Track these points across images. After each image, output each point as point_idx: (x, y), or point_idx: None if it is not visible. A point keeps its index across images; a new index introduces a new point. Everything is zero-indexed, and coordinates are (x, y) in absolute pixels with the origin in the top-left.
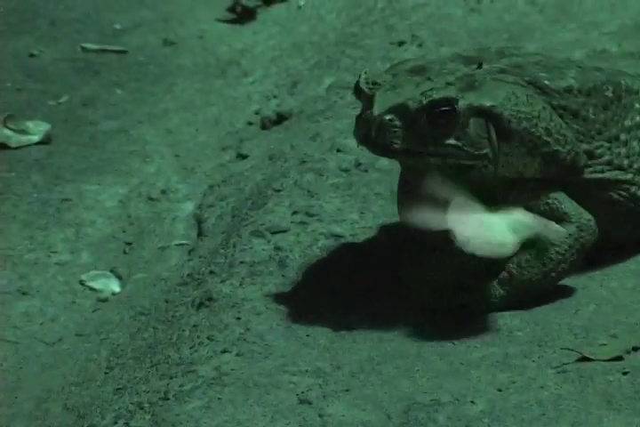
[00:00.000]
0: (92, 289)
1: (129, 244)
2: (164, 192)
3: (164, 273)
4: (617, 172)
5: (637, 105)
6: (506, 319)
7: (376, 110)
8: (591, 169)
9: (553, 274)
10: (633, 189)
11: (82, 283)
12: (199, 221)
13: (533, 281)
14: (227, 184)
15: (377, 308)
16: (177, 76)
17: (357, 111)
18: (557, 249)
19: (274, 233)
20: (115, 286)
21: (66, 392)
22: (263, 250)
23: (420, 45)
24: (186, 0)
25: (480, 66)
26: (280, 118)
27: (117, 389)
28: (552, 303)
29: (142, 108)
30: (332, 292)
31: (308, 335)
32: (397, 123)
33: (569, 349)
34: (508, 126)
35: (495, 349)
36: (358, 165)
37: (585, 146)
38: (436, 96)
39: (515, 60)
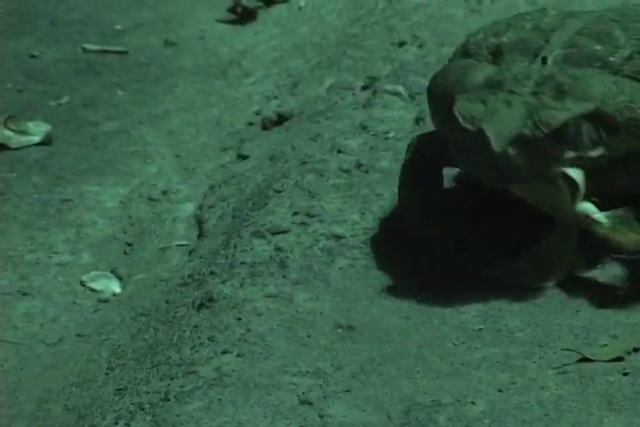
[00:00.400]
0: (92, 290)
1: (129, 244)
2: (164, 193)
3: (165, 274)
4: None
5: None
6: (506, 320)
7: (495, 146)
8: None
9: None
10: None
11: (82, 284)
12: (200, 222)
13: None
14: (227, 185)
15: (377, 308)
16: (178, 76)
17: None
18: None
19: (274, 234)
20: (115, 287)
21: (66, 393)
22: (264, 251)
23: (420, 46)
24: (186, 0)
25: (545, 60)
26: (281, 119)
27: (118, 389)
28: (552, 304)
29: (143, 108)
30: (333, 293)
31: (308, 336)
32: (520, 153)
33: (569, 349)
34: (614, 121)
35: (496, 349)
36: (359, 165)
37: None
38: (553, 123)
39: (561, 37)
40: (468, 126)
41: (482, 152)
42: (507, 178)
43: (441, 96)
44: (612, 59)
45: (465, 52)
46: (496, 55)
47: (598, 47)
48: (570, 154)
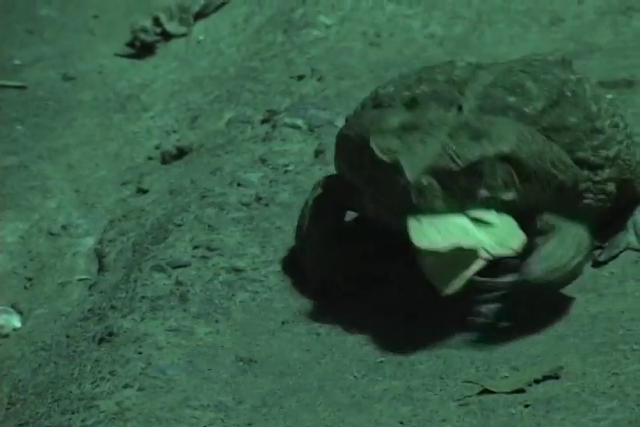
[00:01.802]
0: None
1: (30, 279)
2: (64, 227)
3: (65, 308)
4: (590, 173)
5: (588, 86)
6: (407, 352)
7: (410, 176)
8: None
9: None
10: (600, 186)
11: None
12: (100, 256)
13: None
14: (127, 219)
15: (278, 341)
16: (77, 110)
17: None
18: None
19: (175, 268)
20: (16, 322)
21: None
22: (164, 284)
23: (319, 79)
24: (85, 35)
25: (460, 108)
26: (180, 153)
27: (19, 425)
28: (453, 336)
29: (42, 143)
30: (234, 326)
31: (209, 370)
32: (434, 184)
33: (471, 381)
34: (527, 167)
35: (397, 382)
36: (259, 199)
37: (580, 154)
38: (470, 158)
39: (475, 88)
40: (384, 158)
41: (395, 185)
42: (423, 208)
43: (354, 137)
44: (526, 110)
45: (377, 104)
46: (411, 106)
47: (512, 99)
48: (483, 193)
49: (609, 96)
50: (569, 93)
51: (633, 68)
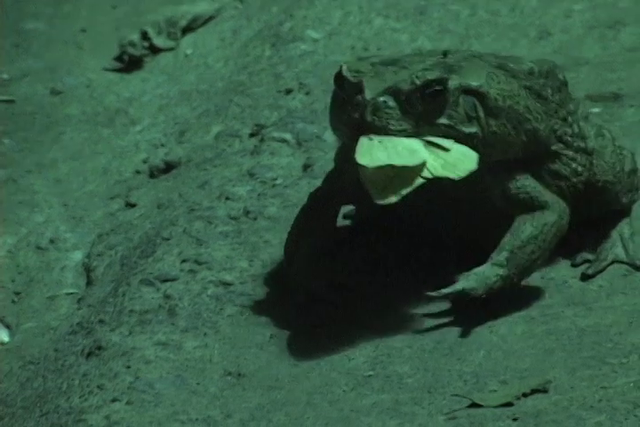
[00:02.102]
0: None
1: (18, 293)
2: (52, 241)
3: (54, 322)
4: (562, 145)
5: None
6: (395, 366)
7: (368, 94)
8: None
9: (539, 262)
10: (574, 164)
11: None
12: (88, 270)
13: (521, 263)
14: (115, 233)
15: (266, 355)
16: (65, 125)
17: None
18: (544, 238)
19: (163, 281)
20: (4, 336)
21: None
22: (152, 298)
23: (307, 93)
24: (73, 49)
25: (445, 55)
26: (168, 167)
27: None
28: (442, 349)
29: (31, 157)
30: (222, 340)
31: (198, 384)
32: (392, 104)
33: (459, 395)
34: (495, 104)
35: (385, 395)
36: (247, 213)
37: (556, 126)
38: (429, 77)
39: (472, 53)
40: (350, 78)
41: (358, 102)
42: (376, 128)
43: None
44: (512, 65)
45: None
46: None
47: (500, 60)
48: (443, 121)
49: (596, 110)
50: (561, 77)
51: (620, 81)
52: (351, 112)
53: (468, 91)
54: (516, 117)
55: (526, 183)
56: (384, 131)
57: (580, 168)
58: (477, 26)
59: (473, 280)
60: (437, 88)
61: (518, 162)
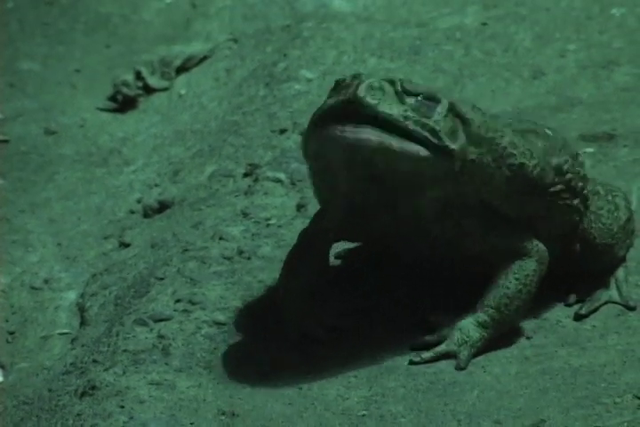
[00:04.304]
0: None
1: (12, 333)
2: (46, 281)
3: (47, 362)
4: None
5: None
6: (390, 406)
7: (359, 90)
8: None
9: (522, 313)
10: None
11: None
12: (82, 310)
13: (507, 320)
14: (109, 273)
15: (260, 395)
16: (59, 164)
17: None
18: (528, 289)
19: (157, 321)
20: None
21: None
22: (146, 338)
23: (301, 133)
24: (67, 89)
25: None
26: (162, 207)
27: None
28: (436, 390)
29: (24, 197)
30: (216, 380)
31: (192, 423)
32: (387, 89)
33: None
34: (477, 132)
35: None
36: (241, 252)
37: (554, 160)
38: (420, 88)
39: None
40: (348, 79)
41: (353, 84)
42: (367, 105)
43: None
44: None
45: None
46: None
47: None
48: (429, 122)
49: (590, 150)
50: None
51: (614, 121)
52: (345, 93)
53: (456, 113)
54: (497, 150)
55: (506, 230)
56: (373, 109)
57: (575, 215)
58: (471, 65)
59: (455, 343)
60: (431, 99)
61: (502, 205)
